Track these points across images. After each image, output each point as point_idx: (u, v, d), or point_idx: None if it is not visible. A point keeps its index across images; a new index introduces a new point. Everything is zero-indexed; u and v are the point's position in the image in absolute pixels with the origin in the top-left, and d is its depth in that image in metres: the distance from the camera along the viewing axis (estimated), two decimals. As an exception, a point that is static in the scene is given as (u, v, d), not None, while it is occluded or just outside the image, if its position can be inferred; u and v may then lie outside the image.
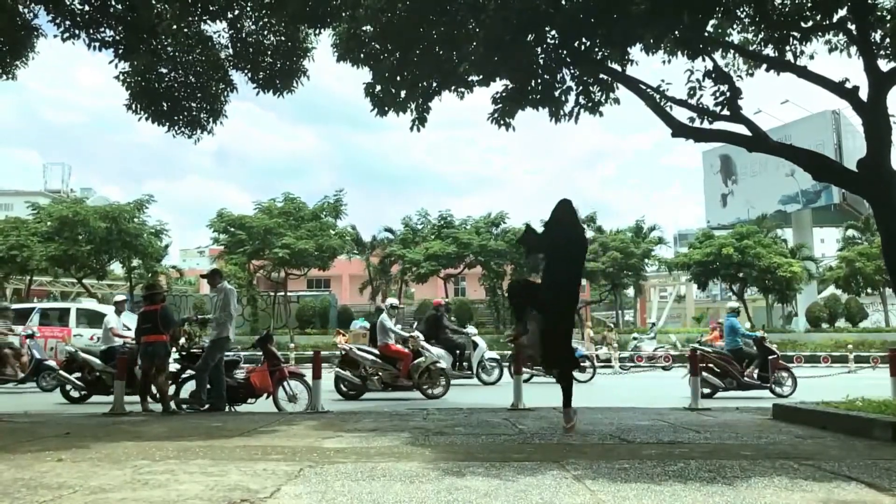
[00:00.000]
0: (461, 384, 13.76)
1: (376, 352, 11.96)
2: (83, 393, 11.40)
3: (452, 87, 9.95)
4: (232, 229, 31.58)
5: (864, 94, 8.18)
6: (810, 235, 43.06)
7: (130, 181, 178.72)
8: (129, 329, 11.68)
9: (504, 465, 4.75)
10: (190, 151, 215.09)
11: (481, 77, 9.54)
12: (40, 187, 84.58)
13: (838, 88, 8.39)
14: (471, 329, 15.43)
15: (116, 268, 37.04)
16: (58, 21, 9.96)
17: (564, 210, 6.87)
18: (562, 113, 9.46)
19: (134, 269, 32.40)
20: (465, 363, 14.10)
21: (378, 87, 9.99)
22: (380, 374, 11.80)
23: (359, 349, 12.16)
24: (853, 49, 9.24)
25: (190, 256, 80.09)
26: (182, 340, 10.34)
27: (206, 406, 9.23)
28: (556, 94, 9.33)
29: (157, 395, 9.56)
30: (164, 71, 11.08)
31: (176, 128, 11.23)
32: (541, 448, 5.66)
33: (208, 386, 9.30)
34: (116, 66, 10.58)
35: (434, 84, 9.87)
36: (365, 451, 5.44)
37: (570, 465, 4.73)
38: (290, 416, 8.51)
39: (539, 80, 9.14)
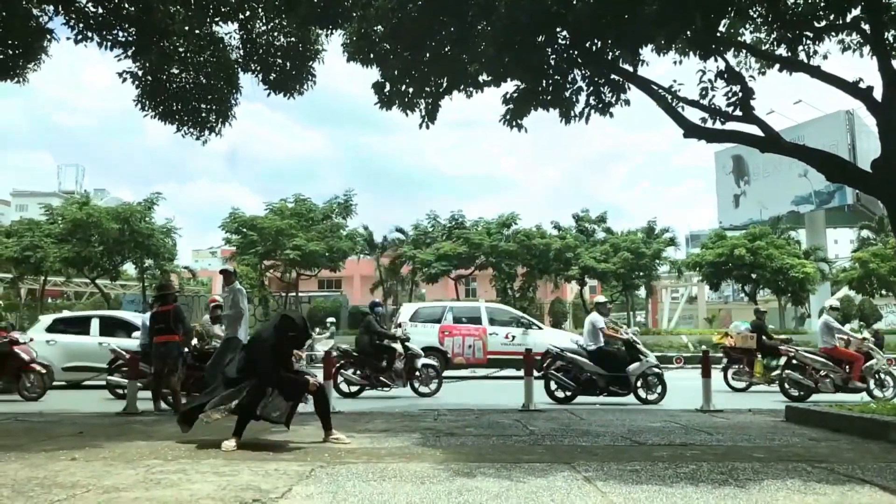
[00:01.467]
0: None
1: (824, 354, 11.89)
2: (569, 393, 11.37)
3: (462, 87, 9.96)
4: (244, 230, 31.72)
5: (878, 95, 8.13)
6: (824, 236, 42.80)
7: (141, 184, 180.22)
8: None
9: (515, 466, 4.74)
10: (200, 154, 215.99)
11: (491, 78, 9.54)
12: (55, 189, 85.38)
13: (852, 88, 8.34)
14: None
15: (129, 268, 37.29)
16: (71, 24, 10.03)
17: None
18: (572, 114, 9.44)
19: (147, 269, 32.62)
20: None
21: (387, 86, 10.01)
22: (831, 376, 11.66)
23: (807, 352, 12.04)
24: (866, 49, 9.18)
25: (202, 257, 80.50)
26: (194, 341, 10.40)
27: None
28: (567, 94, 9.32)
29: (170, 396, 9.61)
30: (176, 71, 11.14)
31: (185, 128, 11.29)
32: (551, 449, 5.65)
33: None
34: (120, 60, 10.60)
35: (444, 84, 9.88)
36: (376, 452, 5.45)
37: (581, 467, 4.72)
38: (301, 416, 8.52)
39: (550, 81, 9.12)
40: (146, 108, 11.02)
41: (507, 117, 9.54)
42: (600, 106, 9.37)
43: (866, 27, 8.56)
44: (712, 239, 34.60)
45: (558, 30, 8.78)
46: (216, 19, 10.74)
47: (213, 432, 6.67)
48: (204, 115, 11.31)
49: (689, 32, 8.57)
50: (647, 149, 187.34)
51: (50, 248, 28.99)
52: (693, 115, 9.21)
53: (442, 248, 33.18)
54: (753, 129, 8.99)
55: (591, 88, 9.35)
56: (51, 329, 14.57)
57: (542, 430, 6.91)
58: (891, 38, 8.82)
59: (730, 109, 8.92)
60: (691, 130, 8.98)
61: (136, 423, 7.80)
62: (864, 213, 40.21)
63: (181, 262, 39.74)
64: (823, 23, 8.94)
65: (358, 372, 12.00)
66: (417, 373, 12.18)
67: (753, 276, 31.79)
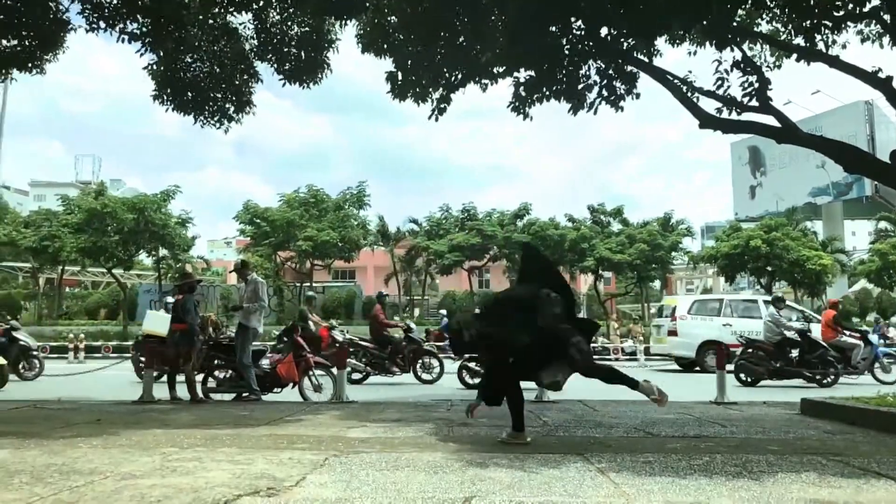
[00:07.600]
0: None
1: None
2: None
3: (476, 79, 9.92)
4: (257, 220, 31.88)
5: (898, 85, 8.02)
6: (841, 228, 42.39)
7: (151, 173, 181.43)
8: None
9: (528, 456, 4.74)
10: (209, 143, 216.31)
11: (505, 68, 9.48)
12: (71, 179, 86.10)
13: (871, 78, 8.22)
14: None
15: (145, 258, 37.62)
16: (86, 14, 10.07)
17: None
18: (583, 105, 9.37)
19: (162, 259, 32.87)
20: None
21: (400, 76, 9.99)
22: None
23: None
24: (886, 39, 9.05)
25: (217, 247, 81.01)
26: (210, 330, 10.47)
27: (257, 394, 9.43)
28: (580, 87, 9.25)
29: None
30: (190, 61, 11.15)
31: (203, 118, 11.31)
32: (564, 440, 5.65)
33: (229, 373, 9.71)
34: (142, 55, 10.64)
35: (458, 76, 9.84)
36: (389, 441, 5.47)
37: (594, 458, 4.71)
38: (315, 405, 8.59)
39: (563, 72, 9.06)
40: (164, 101, 11.06)
41: (516, 103, 9.47)
42: (612, 98, 9.29)
43: (886, 17, 8.43)
44: (727, 231, 34.33)
45: (572, 19, 8.71)
46: (230, 9, 10.73)
47: (226, 422, 6.73)
48: (220, 103, 11.33)
49: (705, 21, 8.49)
50: (661, 140, 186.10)
51: (67, 237, 29.31)
52: (708, 105, 9.13)
53: (455, 238, 33.15)
54: (770, 120, 8.90)
55: (605, 81, 9.27)
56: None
57: (555, 420, 6.91)
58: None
59: (746, 100, 8.83)
60: (707, 121, 8.90)
61: (152, 411, 7.88)
62: (882, 205, 39.77)
63: (197, 253, 40.02)
64: (842, 12, 8.81)
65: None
66: None
67: (769, 268, 31.52)
